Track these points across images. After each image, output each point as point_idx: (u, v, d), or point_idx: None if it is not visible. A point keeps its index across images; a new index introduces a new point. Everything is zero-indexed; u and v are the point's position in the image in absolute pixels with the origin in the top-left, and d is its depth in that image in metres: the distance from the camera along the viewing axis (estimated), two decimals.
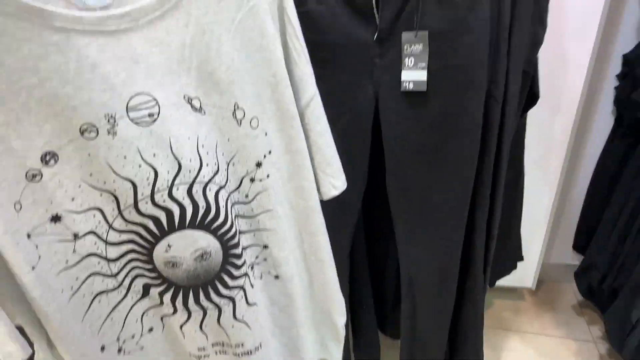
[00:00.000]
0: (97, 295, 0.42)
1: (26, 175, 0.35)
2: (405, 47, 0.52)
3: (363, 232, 0.77)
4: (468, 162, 0.58)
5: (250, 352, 0.51)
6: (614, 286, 0.98)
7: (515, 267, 1.06)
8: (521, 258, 1.07)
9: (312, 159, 0.49)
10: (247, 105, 0.42)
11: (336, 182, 0.51)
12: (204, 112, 0.41)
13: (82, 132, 0.35)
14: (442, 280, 0.66)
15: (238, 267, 0.47)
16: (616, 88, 1.03)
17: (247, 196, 0.46)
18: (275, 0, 0.42)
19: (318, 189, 0.51)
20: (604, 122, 1.07)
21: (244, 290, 0.48)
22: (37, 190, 0.36)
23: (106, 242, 0.41)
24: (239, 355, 0.51)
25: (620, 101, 1.01)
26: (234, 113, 0.42)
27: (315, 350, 0.61)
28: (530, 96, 0.73)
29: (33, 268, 0.36)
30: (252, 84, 0.42)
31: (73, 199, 0.38)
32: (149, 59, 0.36)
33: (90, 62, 0.34)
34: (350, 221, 0.67)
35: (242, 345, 0.50)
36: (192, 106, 0.40)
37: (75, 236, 0.39)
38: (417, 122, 0.56)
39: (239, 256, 0.46)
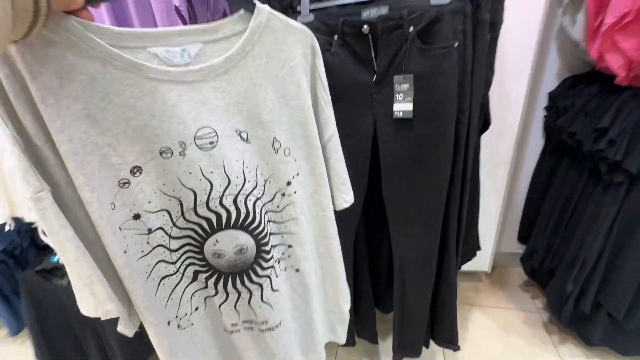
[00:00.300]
0: (162, 278, 0.51)
1: (119, 183, 0.44)
2: (396, 86, 0.67)
3: (363, 229, 0.90)
4: (443, 171, 0.72)
5: (272, 329, 0.59)
6: (551, 266, 1.13)
7: (475, 254, 1.22)
8: (479, 248, 1.23)
9: (329, 179, 0.59)
10: (283, 138, 0.51)
11: (347, 197, 0.61)
12: (250, 142, 0.49)
13: (161, 153, 0.45)
14: (425, 262, 0.81)
15: (267, 261, 0.55)
16: (545, 117, 1.21)
17: (278, 207, 0.55)
18: (309, 62, 0.51)
19: (333, 202, 0.60)
20: (536, 143, 1.30)
21: (270, 279, 0.57)
22: (125, 195, 0.45)
23: (170, 237, 0.50)
24: (263, 330, 0.59)
25: (548, 127, 1.20)
26: (272, 144, 0.51)
27: (325, 333, 0.70)
28: (485, 123, 0.89)
29: (125, 252, 0.46)
30: (287, 123, 0.51)
31: (150, 202, 0.47)
32: (213, 102, 0.45)
33: (172, 103, 0.43)
34: (354, 220, 0.81)
35: (266, 322, 0.58)
36: (241, 137, 0.48)
37: (149, 230, 0.48)
38: (405, 141, 0.71)
39: (268, 252, 0.55)
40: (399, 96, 0.68)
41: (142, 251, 0.49)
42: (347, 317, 0.71)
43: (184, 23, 0.70)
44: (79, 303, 0.47)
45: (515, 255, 1.51)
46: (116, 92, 0.40)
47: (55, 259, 1.01)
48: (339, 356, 1.22)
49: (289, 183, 0.54)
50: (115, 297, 0.46)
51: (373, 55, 0.67)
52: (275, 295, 0.58)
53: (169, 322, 0.54)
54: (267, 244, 0.55)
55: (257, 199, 0.52)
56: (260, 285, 0.56)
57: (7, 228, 0.95)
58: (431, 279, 0.84)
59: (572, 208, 1.06)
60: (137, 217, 0.47)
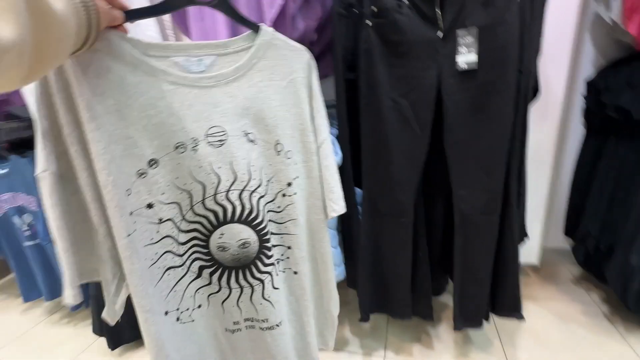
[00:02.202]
0: (167, 269, 0.55)
1: (137, 172, 0.50)
2: (460, 40, 0.74)
3: (422, 200, 0.94)
4: (505, 117, 0.76)
5: (272, 328, 0.61)
6: (609, 244, 1.09)
7: (523, 240, 1.18)
8: (526, 235, 1.18)
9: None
10: (285, 142, 0.57)
11: (335, 206, 0.62)
12: (255, 143, 0.55)
13: (175, 148, 0.51)
14: (487, 213, 0.83)
15: (268, 257, 0.58)
16: (585, 103, 1.24)
17: (279, 207, 0.59)
18: (306, 76, 0.57)
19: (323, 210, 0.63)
20: (576, 133, 1.34)
21: (272, 276, 0.59)
22: (142, 184, 0.50)
23: (179, 229, 0.54)
24: (263, 329, 0.61)
25: (589, 112, 1.23)
26: (275, 146, 0.56)
27: (317, 341, 0.70)
28: (534, 91, 0.94)
29: (128, 235, 0.49)
30: (289, 128, 0.57)
31: (163, 194, 0.52)
32: (224, 105, 0.52)
33: (188, 104, 0.50)
34: (417, 168, 0.86)
35: (267, 320, 0.60)
36: (248, 138, 0.54)
37: (160, 220, 0.53)
38: (469, 92, 0.77)
39: (269, 248, 0.58)
40: (462, 49, 0.76)
41: (152, 239, 0.52)
42: (336, 322, 0.72)
43: None
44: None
45: (562, 252, 1.49)
46: (142, 92, 0.47)
47: None
48: (389, 341, 1.18)
49: (289, 184, 0.58)
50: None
51: (439, 13, 0.76)
52: (276, 293, 0.60)
53: (166, 313, 0.55)
54: (268, 240, 0.58)
55: (261, 196, 0.56)
56: (262, 282, 0.59)
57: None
58: (494, 233, 0.86)
59: (626, 181, 1.05)
60: (150, 206, 0.51)
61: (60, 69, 0.44)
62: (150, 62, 0.48)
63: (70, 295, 0.49)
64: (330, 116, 1.20)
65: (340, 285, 1.11)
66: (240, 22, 0.54)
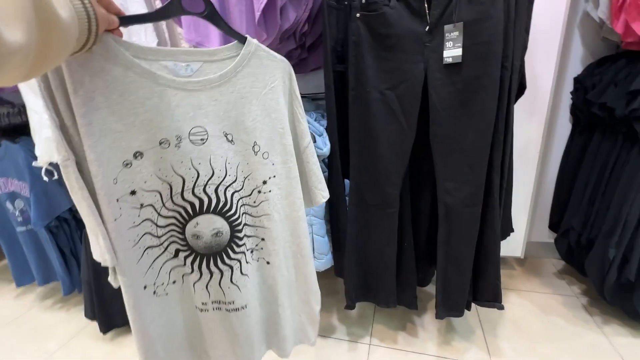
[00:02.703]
0: (146, 248, 0.59)
1: (123, 163, 0.53)
2: (446, 35, 0.76)
3: (408, 191, 0.96)
4: (489, 112, 0.78)
5: (238, 309, 0.65)
6: (590, 238, 1.14)
7: (508, 234, 1.22)
8: (512, 229, 1.23)
9: (308, 180, 0.67)
10: (262, 144, 0.60)
11: (324, 194, 0.70)
12: (234, 143, 0.59)
13: (160, 143, 0.54)
14: (470, 205, 0.85)
15: (239, 246, 0.63)
16: (572, 99, 1.29)
17: (254, 202, 0.63)
18: (286, 85, 0.61)
19: (312, 199, 0.69)
20: (563, 129, 1.37)
21: (240, 263, 0.64)
22: (127, 174, 0.54)
23: (159, 214, 0.58)
24: (229, 310, 0.65)
25: (576, 108, 1.27)
26: (253, 147, 0.60)
27: (295, 334, 0.74)
28: (521, 86, 0.96)
29: (115, 220, 0.54)
30: (267, 131, 0.60)
31: (145, 182, 0.56)
32: (207, 108, 0.55)
33: (174, 104, 0.53)
34: (403, 161, 0.88)
35: (233, 302, 0.64)
36: (227, 139, 0.58)
37: (141, 205, 0.57)
38: (455, 85, 0.78)
39: (240, 238, 0.63)
40: (448, 44, 0.78)
41: (134, 222, 0.57)
42: (318, 318, 0.76)
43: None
44: (92, 249, 0.56)
45: (546, 245, 1.53)
46: (131, 91, 0.51)
47: None
48: (375, 329, 1.22)
49: (264, 182, 0.62)
50: (112, 251, 0.55)
51: (426, 8, 0.77)
52: (243, 279, 0.64)
53: (145, 287, 0.60)
54: (240, 230, 0.62)
55: (235, 191, 0.61)
56: (231, 267, 0.63)
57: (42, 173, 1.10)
58: (476, 224, 0.88)
59: (608, 176, 1.09)
60: (133, 192, 0.55)
61: (57, 68, 0.47)
62: (141, 64, 0.51)
63: (109, 259, 0.54)
64: (321, 107, 1.22)
65: (328, 274, 1.14)
66: (228, 33, 0.57)
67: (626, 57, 1.07)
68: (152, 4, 1.00)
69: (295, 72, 0.63)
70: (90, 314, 1.21)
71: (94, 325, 1.26)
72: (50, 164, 1.08)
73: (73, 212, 1.27)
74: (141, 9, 0.97)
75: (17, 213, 1.28)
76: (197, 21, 0.90)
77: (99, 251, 0.55)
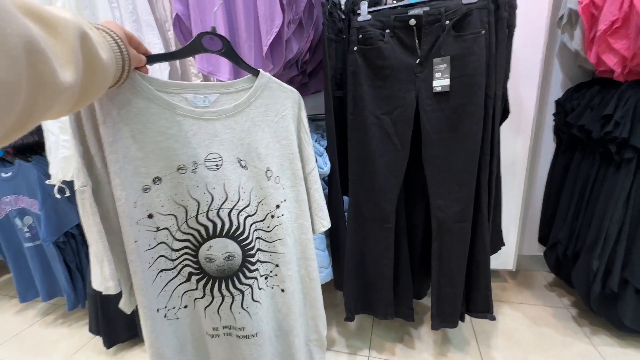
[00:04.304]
0: (160, 271, 0.62)
1: (143, 188, 0.57)
2: (435, 67, 0.85)
3: (403, 198, 1.03)
4: (475, 136, 0.86)
5: (248, 337, 0.65)
6: (575, 251, 1.20)
7: (500, 248, 1.25)
8: (503, 243, 1.27)
9: (310, 207, 0.70)
10: (274, 169, 0.64)
11: (324, 222, 0.72)
12: (247, 169, 0.62)
13: (177, 169, 0.58)
14: (460, 221, 0.92)
15: (251, 271, 0.64)
16: (554, 121, 1.38)
17: (268, 227, 0.65)
18: (295, 113, 0.66)
19: (312, 227, 0.71)
20: (547, 150, 1.46)
21: (252, 288, 0.65)
22: (146, 198, 0.58)
23: (174, 238, 0.61)
24: (240, 337, 0.66)
25: (558, 129, 1.36)
26: (266, 172, 0.63)
27: (305, 358, 0.74)
28: (505, 111, 1.03)
29: (135, 242, 0.57)
30: (278, 157, 0.64)
31: (162, 206, 0.59)
32: (223, 135, 0.60)
33: (192, 133, 0.58)
34: (398, 179, 0.95)
35: (244, 329, 0.65)
36: (240, 164, 0.62)
37: (157, 228, 0.60)
38: (444, 112, 0.86)
39: (253, 263, 0.64)
40: (437, 74, 0.86)
41: (150, 245, 0.60)
42: (325, 343, 0.77)
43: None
44: (92, 278, 0.58)
45: (537, 258, 1.59)
46: (154, 121, 0.55)
47: None
48: (374, 341, 1.25)
49: (277, 206, 0.65)
50: (117, 278, 0.57)
51: (417, 43, 0.86)
52: (254, 306, 0.66)
53: (158, 309, 0.62)
54: (253, 255, 0.64)
55: (249, 215, 0.63)
56: (242, 292, 0.65)
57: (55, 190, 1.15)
58: (467, 238, 0.94)
59: (589, 193, 1.16)
60: (150, 216, 0.59)
61: None
62: (163, 97, 0.56)
63: (112, 286, 0.56)
64: (321, 128, 1.30)
65: (327, 287, 1.18)
66: (244, 68, 0.63)
67: (600, 84, 1.17)
68: (166, 36, 1.08)
69: None
70: (95, 329, 1.23)
71: (97, 340, 1.28)
72: (63, 182, 1.13)
73: (80, 227, 1.31)
74: (155, 39, 1.05)
75: (25, 229, 1.32)
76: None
77: (100, 279, 0.56)
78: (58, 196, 1.17)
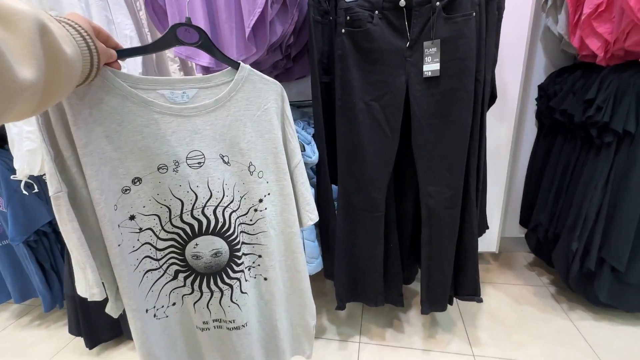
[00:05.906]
0: (146, 272, 0.60)
1: (122, 189, 0.55)
2: (425, 50, 0.82)
3: (393, 185, 1.02)
4: (464, 121, 0.84)
5: (238, 328, 0.66)
6: (556, 232, 1.24)
7: (484, 231, 1.30)
8: (487, 227, 1.32)
9: (297, 201, 0.68)
10: (257, 163, 0.62)
11: (312, 215, 0.71)
12: (230, 165, 0.60)
13: (158, 169, 0.56)
14: (450, 207, 0.92)
15: (238, 265, 0.64)
16: (537, 106, 1.40)
17: (251, 220, 0.64)
18: (279, 106, 0.63)
19: (300, 221, 0.70)
20: (530, 135, 1.49)
21: (240, 282, 0.65)
22: (126, 199, 0.55)
23: (158, 237, 0.59)
24: (230, 329, 0.66)
25: (541, 113, 1.39)
26: (248, 167, 0.61)
27: (292, 346, 0.76)
28: (492, 96, 1.02)
29: (119, 245, 0.55)
30: (261, 151, 0.62)
31: (144, 207, 0.57)
32: (203, 132, 0.57)
33: (171, 131, 0.55)
34: (388, 167, 0.94)
35: (234, 321, 0.66)
36: (223, 160, 0.60)
37: (140, 229, 0.58)
38: (433, 96, 0.84)
39: (239, 257, 0.64)
40: (427, 58, 0.84)
41: (133, 247, 0.58)
42: (313, 332, 0.77)
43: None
44: (76, 283, 0.56)
45: (518, 240, 1.65)
46: (130, 120, 0.52)
47: None
48: (364, 328, 1.27)
49: (260, 200, 0.64)
50: (101, 284, 0.55)
51: (407, 25, 0.83)
52: (243, 297, 0.66)
53: (146, 310, 0.61)
54: (239, 250, 0.64)
55: (233, 211, 0.62)
56: (231, 287, 0.64)
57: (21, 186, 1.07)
58: (456, 224, 0.95)
59: (570, 175, 1.19)
60: (132, 217, 0.57)
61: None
62: (139, 94, 0.52)
63: (97, 292, 0.54)
64: (307, 115, 1.26)
65: (318, 277, 1.18)
66: (223, 60, 0.59)
67: (582, 68, 1.18)
68: (137, 15, 1.00)
69: (281, 81, 0.66)
70: (75, 330, 1.18)
71: (78, 341, 1.22)
72: (31, 176, 1.05)
73: (53, 225, 1.23)
74: (125, 19, 0.97)
75: None
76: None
77: (85, 286, 0.54)
78: (25, 192, 1.08)
